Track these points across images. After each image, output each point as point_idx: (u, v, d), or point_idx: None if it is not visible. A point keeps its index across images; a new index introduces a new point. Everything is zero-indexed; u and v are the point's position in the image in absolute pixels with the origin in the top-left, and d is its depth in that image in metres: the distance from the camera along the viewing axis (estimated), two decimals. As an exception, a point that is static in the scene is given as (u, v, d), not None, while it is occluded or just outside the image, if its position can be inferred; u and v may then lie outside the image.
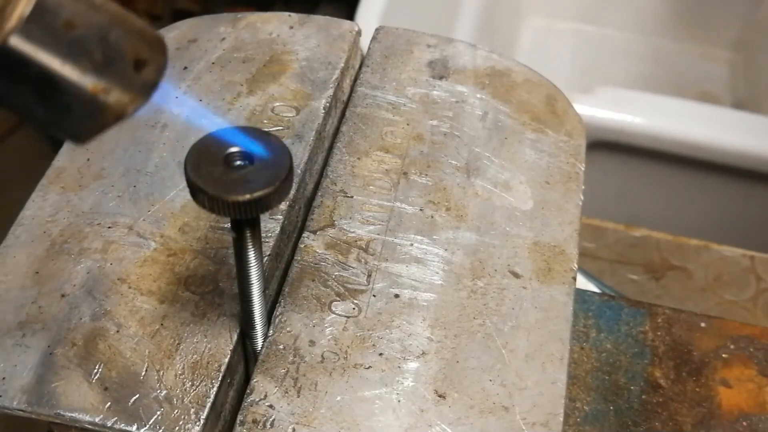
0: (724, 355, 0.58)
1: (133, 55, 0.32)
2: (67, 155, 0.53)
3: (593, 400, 0.56)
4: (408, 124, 0.56)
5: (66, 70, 0.30)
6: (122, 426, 0.41)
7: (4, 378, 0.43)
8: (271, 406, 0.43)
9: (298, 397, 0.43)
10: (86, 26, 0.30)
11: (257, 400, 0.43)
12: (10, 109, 0.31)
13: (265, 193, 0.36)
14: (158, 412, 0.42)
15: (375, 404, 0.43)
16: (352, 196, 0.52)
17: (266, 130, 0.39)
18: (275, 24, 0.62)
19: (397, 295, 0.47)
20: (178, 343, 0.44)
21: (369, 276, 0.48)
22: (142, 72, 0.32)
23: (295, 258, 0.49)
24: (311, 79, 0.58)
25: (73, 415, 0.42)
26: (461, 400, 0.43)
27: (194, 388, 0.43)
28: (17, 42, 0.29)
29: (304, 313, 0.46)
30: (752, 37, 1.67)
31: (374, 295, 0.47)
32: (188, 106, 0.36)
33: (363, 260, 0.49)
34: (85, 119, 0.31)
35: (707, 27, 1.72)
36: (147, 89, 0.32)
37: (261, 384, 0.43)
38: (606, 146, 1.18)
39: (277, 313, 0.46)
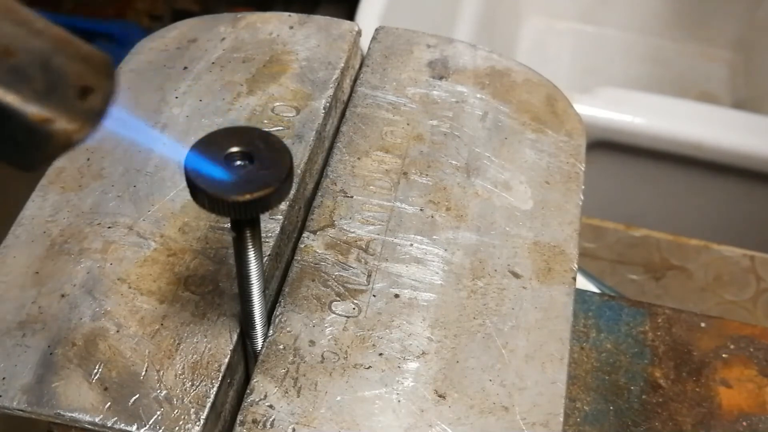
0: (724, 355, 0.58)
1: (78, 82, 0.30)
2: (67, 155, 0.53)
3: (593, 400, 0.56)
4: (408, 124, 0.56)
5: (6, 99, 0.29)
6: (122, 426, 0.41)
7: (4, 378, 0.43)
8: (271, 406, 0.43)
9: (298, 397, 0.43)
10: (26, 53, 0.29)
11: (257, 400, 0.43)
12: None
13: (265, 193, 0.36)
14: (158, 412, 0.42)
15: (375, 404, 0.43)
16: (352, 196, 0.52)
17: (266, 130, 0.39)
18: (275, 24, 0.62)
19: (397, 295, 0.47)
20: (178, 343, 0.44)
21: (369, 276, 0.48)
22: (88, 99, 0.31)
23: (295, 258, 0.49)
24: (311, 79, 0.58)
25: (73, 415, 0.42)
26: (461, 400, 0.43)
27: (194, 388, 0.43)
28: None
29: (304, 313, 0.46)
30: (752, 37, 1.67)
31: (374, 295, 0.47)
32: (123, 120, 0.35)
33: (363, 260, 0.49)
34: (29, 149, 0.30)
35: (707, 27, 1.72)
36: (94, 117, 0.31)
37: (261, 384, 0.43)
38: (606, 146, 1.18)
39: (277, 313, 0.46)
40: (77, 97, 0.30)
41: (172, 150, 0.48)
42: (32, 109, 0.29)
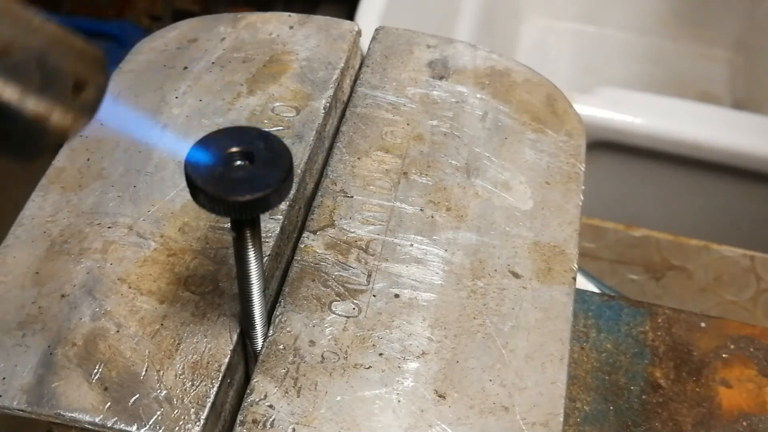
0: (724, 355, 0.58)
1: (73, 76, 0.32)
2: (67, 155, 0.53)
3: (593, 400, 0.56)
4: (408, 124, 0.56)
5: (5, 96, 0.30)
6: (122, 426, 0.41)
7: (4, 378, 0.43)
8: (271, 406, 0.43)
9: (298, 397, 0.43)
10: (24, 51, 0.30)
11: (257, 400, 0.43)
12: None
13: (265, 193, 0.36)
14: (158, 412, 0.42)
15: (375, 404, 0.43)
16: (352, 196, 0.52)
17: (266, 130, 0.39)
18: (275, 24, 0.62)
19: (397, 295, 0.47)
20: (178, 343, 0.44)
21: (369, 276, 0.48)
22: (82, 93, 0.32)
23: (295, 258, 0.49)
24: (311, 79, 0.58)
25: (73, 415, 0.42)
26: (461, 400, 0.43)
27: (194, 388, 0.43)
28: None
29: (304, 313, 0.46)
30: (752, 37, 1.67)
31: (374, 295, 0.47)
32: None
33: (363, 260, 0.49)
34: (26, 142, 0.32)
35: (707, 27, 1.72)
36: (87, 110, 0.33)
37: (261, 384, 0.43)
38: (606, 146, 1.18)
39: (277, 313, 0.46)
40: (72, 92, 0.32)
41: (172, 145, 0.48)
42: (29, 104, 0.30)
